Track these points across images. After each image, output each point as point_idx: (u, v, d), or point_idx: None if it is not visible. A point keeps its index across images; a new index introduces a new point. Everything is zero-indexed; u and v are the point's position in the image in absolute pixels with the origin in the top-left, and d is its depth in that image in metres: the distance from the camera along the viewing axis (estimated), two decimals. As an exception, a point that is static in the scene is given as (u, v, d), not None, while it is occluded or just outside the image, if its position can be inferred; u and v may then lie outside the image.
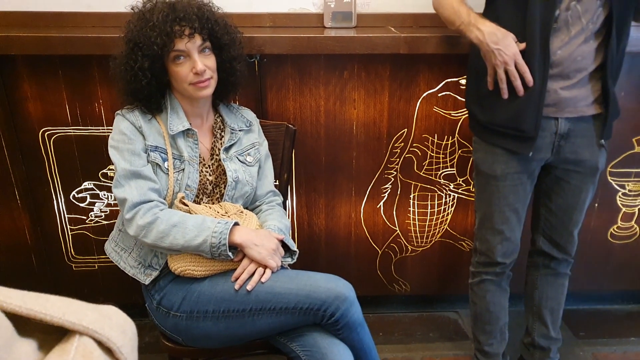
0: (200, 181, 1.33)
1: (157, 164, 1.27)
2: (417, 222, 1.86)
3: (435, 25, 1.76)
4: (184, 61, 1.24)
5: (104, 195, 1.76)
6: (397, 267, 1.95)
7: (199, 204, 1.33)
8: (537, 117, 1.29)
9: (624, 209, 1.89)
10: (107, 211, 1.78)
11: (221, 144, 1.38)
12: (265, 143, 1.48)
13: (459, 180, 1.80)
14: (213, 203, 1.36)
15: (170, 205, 1.29)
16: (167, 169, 1.28)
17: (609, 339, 1.94)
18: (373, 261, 1.93)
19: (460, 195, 1.83)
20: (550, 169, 1.44)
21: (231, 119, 1.41)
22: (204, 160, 1.35)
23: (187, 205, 1.27)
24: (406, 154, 1.76)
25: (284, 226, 1.39)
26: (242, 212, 1.35)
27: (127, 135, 1.26)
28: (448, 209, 1.85)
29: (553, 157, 1.39)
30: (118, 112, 1.31)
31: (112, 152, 1.27)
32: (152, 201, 1.23)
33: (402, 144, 1.74)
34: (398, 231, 1.88)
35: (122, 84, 1.28)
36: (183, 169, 1.30)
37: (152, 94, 1.27)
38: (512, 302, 1.64)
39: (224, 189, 1.36)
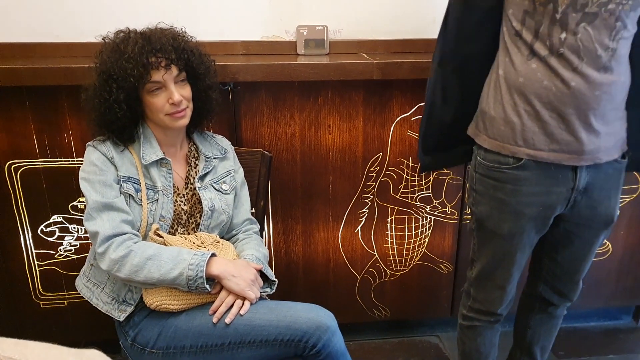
0: (174, 211, 1.29)
1: (130, 194, 1.24)
2: (395, 246, 1.86)
3: (407, 51, 1.80)
4: (160, 92, 1.22)
5: (74, 228, 1.70)
6: (377, 292, 1.93)
7: (174, 234, 1.30)
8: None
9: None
10: (77, 245, 1.72)
11: (196, 172, 1.35)
12: (241, 170, 1.46)
13: (435, 203, 1.81)
14: (188, 233, 1.33)
15: (144, 237, 1.25)
16: (140, 199, 1.25)
17: (588, 357, 1.95)
18: (352, 287, 1.91)
19: (437, 218, 1.84)
20: (560, 221, 1.30)
21: (205, 147, 1.39)
22: (178, 189, 1.32)
23: (161, 237, 1.24)
24: (382, 178, 1.76)
25: (262, 255, 1.36)
26: (218, 242, 1.32)
27: (98, 167, 1.22)
28: (425, 232, 1.85)
29: (567, 211, 1.26)
30: (89, 143, 1.27)
31: (82, 184, 1.23)
32: (125, 234, 1.19)
33: (378, 167, 1.75)
34: (376, 255, 1.87)
35: (95, 116, 1.24)
36: (157, 200, 1.26)
37: (126, 125, 1.25)
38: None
39: (200, 218, 1.33)
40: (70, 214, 1.68)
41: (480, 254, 1.37)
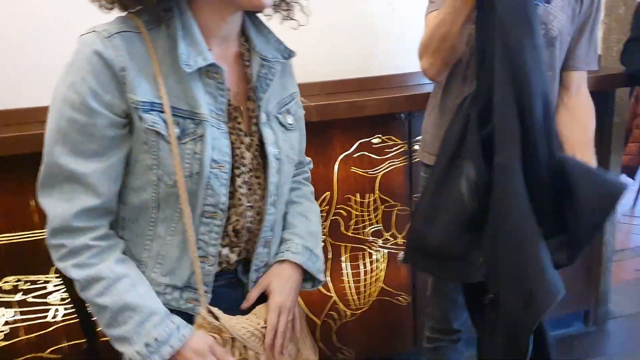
0: (233, 152, 0.81)
1: (157, 132, 0.75)
2: (352, 284, 1.83)
3: (341, 91, 1.83)
4: None
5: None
6: (339, 334, 1.88)
7: (238, 195, 0.83)
8: None
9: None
10: (6, 330, 1.54)
11: (250, 88, 0.86)
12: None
13: (386, 235, 1.82)
14: (252, 206, 0.86)
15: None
16: (169, 136, 0.76)
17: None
18: (312, 333, 1.85)
19: (390, 250, 1.84)
20: None
21: (262, 44, 0.87)
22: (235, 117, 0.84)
23: (218, 319, 0.82)
24: (332, 217, 1.75)
25: (313, 239, 0.99)
26: None
27: (94, 94, 0.72)
28: (380, 266, 1.85)
29: None
30: (88, 36, 0.74)
31: (53, 110, 0.75)
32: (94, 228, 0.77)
33: (327, 207, 1.73)
34: (335, 297, 1.83)
35: None
36: (201, 136, 0.77)
37: None
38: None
39: (263, 174, 0.86)
40: (-3, 297, 1.51)
41: None
